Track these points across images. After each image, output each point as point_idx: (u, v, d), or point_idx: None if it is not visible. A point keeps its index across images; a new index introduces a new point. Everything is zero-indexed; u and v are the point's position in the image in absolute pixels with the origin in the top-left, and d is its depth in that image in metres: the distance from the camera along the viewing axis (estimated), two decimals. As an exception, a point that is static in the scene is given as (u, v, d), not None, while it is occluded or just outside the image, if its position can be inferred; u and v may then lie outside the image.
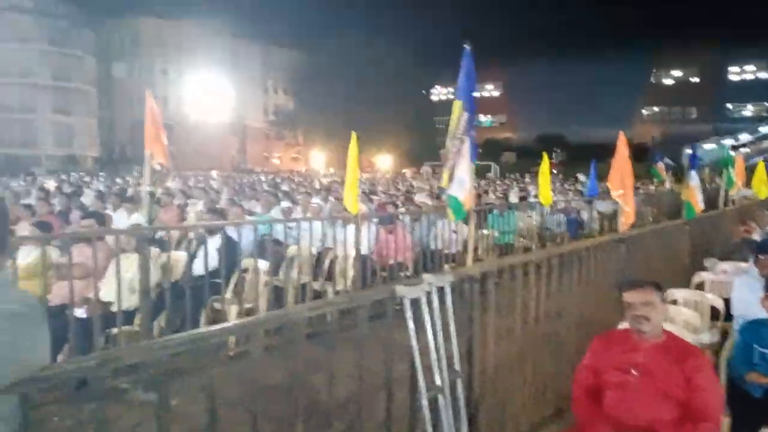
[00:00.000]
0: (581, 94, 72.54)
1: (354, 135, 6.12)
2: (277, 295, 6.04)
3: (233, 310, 5.49)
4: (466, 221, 4.26)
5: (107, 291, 4.80)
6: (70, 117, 50.03)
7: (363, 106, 58.96)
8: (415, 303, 2.51)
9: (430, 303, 2.54)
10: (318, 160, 66.15)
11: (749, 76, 70.70)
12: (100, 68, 55.60)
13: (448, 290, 2.63)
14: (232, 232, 5.82)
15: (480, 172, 53.72)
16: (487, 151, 74.71)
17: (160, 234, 6.40)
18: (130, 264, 4.90)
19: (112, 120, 59.99)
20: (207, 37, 60.54)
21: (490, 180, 30.49)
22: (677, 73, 75.04)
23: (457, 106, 3.85)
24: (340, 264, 6.77)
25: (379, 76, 59.49)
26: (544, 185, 9.62)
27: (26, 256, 5.45)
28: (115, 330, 4.61)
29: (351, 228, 7.50)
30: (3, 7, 45.31)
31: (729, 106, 71.34)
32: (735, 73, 71.22)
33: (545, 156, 9.73)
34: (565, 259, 3.67)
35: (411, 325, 2.46)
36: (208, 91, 56.70)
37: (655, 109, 76.09)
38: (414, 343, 2.47)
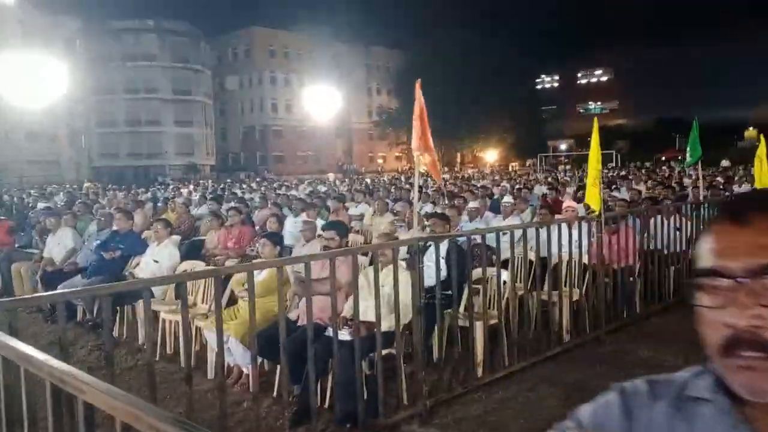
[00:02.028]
0: (703, 74, 67.58)
1: (596, 120, 5.35)
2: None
3: (479, 326, 4.83)
4: None
5: (364, 309, 4.27)
6: (190, 128, 52.45)
7: (466, 100, 57.77)
8: None
9: None
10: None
11: None
12: (214, 81, 58.06)
13: None
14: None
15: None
16: (596, 139, 71.41)
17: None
18: (384, 277, 4.35)
19: (225, 129, 62.46)
20: (311, 43, 61.67)
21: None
22: (814, 43, 68.17)
23: None
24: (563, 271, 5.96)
25: (481, 69, 58.05)
26: (762, 172, 8.36)
27: (257, 272, 5.06)
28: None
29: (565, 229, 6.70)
30: (133, 28, 48.26)
31: None
32: None
33: (763, 139, 8.45)
34: None
35: None
36: (314, 96, 57.62)
37: (790, 83, 69.50)
38: None
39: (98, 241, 7.18)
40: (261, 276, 4.89)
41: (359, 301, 4.37)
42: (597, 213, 5.39)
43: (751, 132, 66.84)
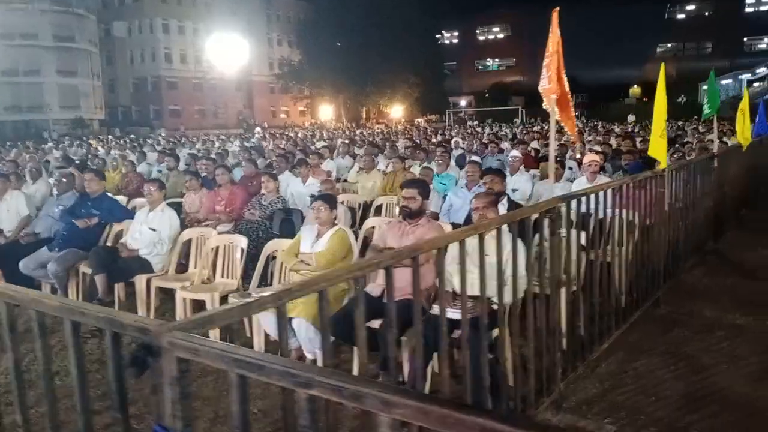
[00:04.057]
0: (593, 34, 70.17)
1: (663, 66, 4.94)
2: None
3: (562, 294, 4.36)
4: None
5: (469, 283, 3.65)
6: (74, 78, 47.75)
7: (371, 54, 56.80)
8: None
9: None
10: (326, 113, 64.28)
11: (765, 8, 68.67)
12: (100, 27, 53.03)
13: None
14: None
15: (503, 118, 52.20)
16: (493, 96, 72.98)
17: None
18: (487, 246, 3.75)
19: (114, 81, 57.66)
20: (208, -11, 57.80)
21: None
22: (691, 6, 72.76)
23: None
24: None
25: (385, 23, 57.06)
26: (744, 125, 8.44)
27: (312, 242, 4.28)
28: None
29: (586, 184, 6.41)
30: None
31: (745, 39, 69.47)
32: (751, 5, 69.05)
33: (746, 92, 8.52)
34: None
35: None
36: (213, 45, 54.20)
37: (669, 45, 74.10)
38: None
39: (61, 207, 6.00)
40: (322, 245, 4.14)
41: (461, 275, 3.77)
42: (663, 167, 5.03)
43: (635, 90, 70.90)
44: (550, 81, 3.60)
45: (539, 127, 26.59)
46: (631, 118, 34.98)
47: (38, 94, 45.68)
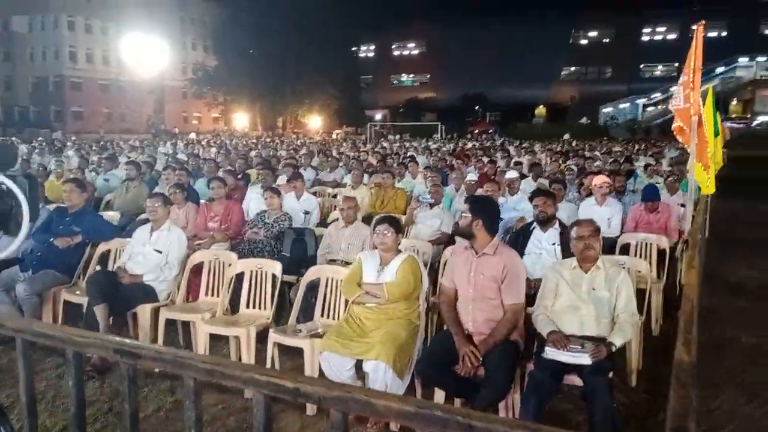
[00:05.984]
0: (504, 54, 72.77)
1: (711, 89, 4.81)
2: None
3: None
4: None
5: (578, 321, 3.29)
6: (-34, 75, 43.70)
7: (289, 63, 55.93)
8: None
9: None
10: (241, 121, 62.66)
11: (659, 37, 73.95)
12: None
13: None
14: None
15: (419, 133, 52.48)
16: (408, 111, 73.84)
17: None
18: (593, 279, 3.40)
19: (11, 78, 53.35)
20: (118, -14, 54.75)
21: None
22: (593, 33, 77.09)
23: None
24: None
25: (303, 32, 56.34)
26: (716, 146, 8.67)
27: (377, 270, 3.75)
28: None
29: (594, 206, 6.34)
30: None
31: (642, 66, 74.40)
32: (647, 34, 74.18)
33: (718, 117, 8.75)
34: None
35: None
36: (124, 46, 51.40)
37: (572, 69, 78.01)
38: None
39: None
40: (391, 274, 3.63)
41: (566, 310, 3.41)
42: (711, 191, 4.90)
43: (540, 110, 73.99)
44: (687, 100, 3.30)
45: (471, 144, 26.88)
46: (566, 136, 36.42)
47: (-77, 89, 41.39)
